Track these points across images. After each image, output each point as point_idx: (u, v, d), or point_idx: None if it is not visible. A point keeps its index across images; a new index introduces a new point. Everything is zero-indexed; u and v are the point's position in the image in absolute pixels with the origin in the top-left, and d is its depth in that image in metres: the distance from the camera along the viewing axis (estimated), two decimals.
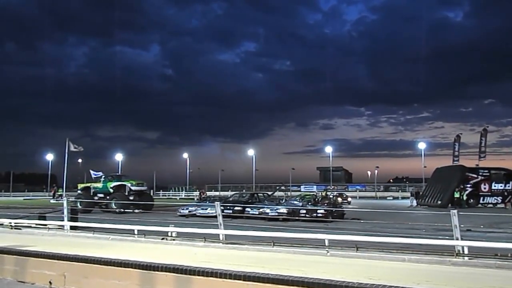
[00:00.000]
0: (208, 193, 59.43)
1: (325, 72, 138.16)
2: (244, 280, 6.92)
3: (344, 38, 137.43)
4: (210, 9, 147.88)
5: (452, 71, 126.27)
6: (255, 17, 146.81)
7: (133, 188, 31.65)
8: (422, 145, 71.15)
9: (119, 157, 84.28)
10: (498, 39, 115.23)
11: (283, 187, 68.61)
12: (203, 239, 12.40)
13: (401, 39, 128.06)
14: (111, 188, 31.82)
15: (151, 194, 36.16)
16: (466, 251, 9.65)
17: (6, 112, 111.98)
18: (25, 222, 17.61)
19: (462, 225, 10.28)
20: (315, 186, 78.70)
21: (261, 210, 24.67)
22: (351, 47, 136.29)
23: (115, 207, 28.83)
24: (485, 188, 40.80)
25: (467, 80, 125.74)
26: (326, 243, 10.90)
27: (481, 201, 40.34)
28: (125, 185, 31.98)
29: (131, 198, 30.71)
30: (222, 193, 58.32)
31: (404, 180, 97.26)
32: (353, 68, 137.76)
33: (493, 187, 40.93)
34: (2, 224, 17.13)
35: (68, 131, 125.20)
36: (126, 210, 26.47)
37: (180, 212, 27.36)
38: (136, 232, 13.85)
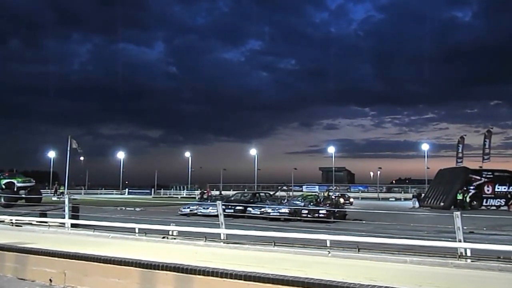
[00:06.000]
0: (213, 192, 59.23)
1: (330, 72, 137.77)
2: (244, 280, 6.91)
3: (350, 38, 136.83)
4: (215, 7, 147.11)
5: (459, 72, 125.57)
6: (261, 15, 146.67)
7: (19, 184, 35.29)
8: (425, 146, 71.17)
9: (121, 155, 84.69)
10: (506, 40, 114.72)
11: (285, 187, 68.51)
12: (204, 238, 12.41)
13: (408, 38, 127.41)
14: (3, 184, 35.15)
15: (40, 189, 41.80)
16: (468, 253, 9.64)
17: (9, 109, 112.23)
18: (26, 219, 17.65)
19: (465, 227, 10.27)
20: (317, 187, 78.55)
21: (262, 210, 24.63)
22: (357, 46, 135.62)
23: (3, 202, 31.90)
24: (488, 190, 40.69)
25: (473, 80, 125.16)
26: (328, 243, 10.90)
27: (484, 203, 40.19)
28: (13, 182, 35.40)
29: (21, 193, 34.50)
30: (224, 192, 58.23)
31: (407, 181, 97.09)
32: (359, 67, 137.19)
33: (496, 189, 40.80)
34: (3, 221, 17.18)
35: (71, 129, 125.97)
36: (14, 204, 30.04)
37: (181, 211, 27.36)
38: (137, 230, 13.87)
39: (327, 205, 26.79)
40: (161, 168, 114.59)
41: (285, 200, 30.74)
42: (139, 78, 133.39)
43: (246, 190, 61.14)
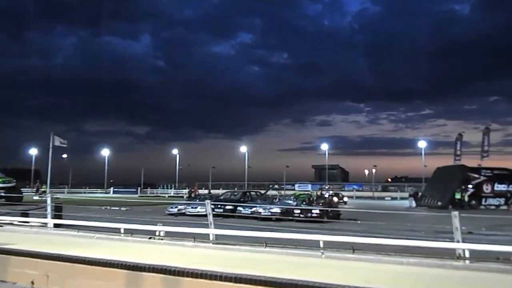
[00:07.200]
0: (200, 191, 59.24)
1: (324, 66, 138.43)
2: (235, 282, 6.92)
3: (344, 31, 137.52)
4: None
5: (457, 67, 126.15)
6: (252, 7, 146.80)
7: None
8: (422, 144, 71.39)
9: (106, 152, 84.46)
10: (505, 34, 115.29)
11: (276, 186, 68.62)
12: (193, 239, 12.39)
13: (404, 32, 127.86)
14: None
15: (21, 188, 42.52)
16: (467, 254, 9.68)
17: None
18: (7, 219, 17.53)
19: (463, 227, 10.32)
20: (310, 185, 78.84)
21: (253, 209, 24.66)
22: (352, 40, 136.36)
23: None
24: (487, 189, 40.92)
25: (472, 76, 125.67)
26: (321, 244, 10.90)
27: (483, 203, 40.42)
28: None
29: (0, 192, 35.24)
30: (213, 191, 58.26)
31: (403, 179, 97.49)
32: (353, 62, 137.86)
33: (495, 188, 41.04)
34: None
35: (54, 125, 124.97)
36: None
37: (168, 211, 27.35)
38: (122, 230, 13.81)
39: (320, 204, 26.92)
40: (148, 166, 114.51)
41: (277, 199, 30.85)
42: (126, 73, 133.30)
43: (236, 188, 61.20)
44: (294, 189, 68.45)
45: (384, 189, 78.27)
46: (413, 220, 22.23)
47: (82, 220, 15.86)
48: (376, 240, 11.14)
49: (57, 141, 40.38)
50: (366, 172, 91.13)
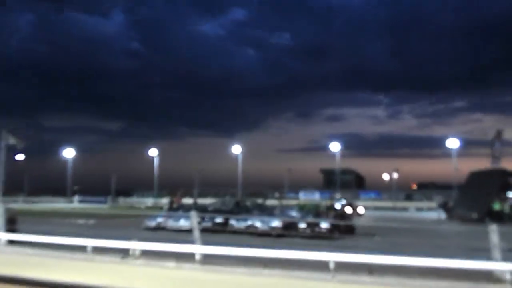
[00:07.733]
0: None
1: (334, 49, 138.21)
2: None
3: (359, 7, 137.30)
4: None
5: (494, 50, 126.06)
6: None
7: None
8: (453, 143, 71.17)
9: (69, 153, 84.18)
10: None
11: (277, 194, 68.60)
12: (175, 259, 12.40)
13: (430, 9, 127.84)
14: None
15: None
16: (508, 277, 9.69)
17: None
18: None
19: (503, 244, 10.33)
20: (317, 193, 78.80)
21: (249, 223, 24.68)
22: (368, 17, 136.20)
23: None
24: None
25: None
26: (332, 265, 10.93)
27: None
28: None
29: None
30: (200, 200, 58.26)
31: (430, 186, 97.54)
32: (370, 44, 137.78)
33: None
34: None
35: (6, 120, 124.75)
36: None
37: (146, 225, 27.34)
38: (89, 248, 13.82)
39: (331, 216, 26.93)
40: (121, 170, 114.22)
41: (277, 211, 30.86)
42: (94, 57, 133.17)
43: (227, 197, 61.25)
44: (298, 198, 68.49)
45: (408, 198, 78.18)
46: (442, 236, 22.30)
47: (40, 235, 15.85)
48: (398, 259, 11.17)
49: (12, 140, 40.26)
50: (386, 177, 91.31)
